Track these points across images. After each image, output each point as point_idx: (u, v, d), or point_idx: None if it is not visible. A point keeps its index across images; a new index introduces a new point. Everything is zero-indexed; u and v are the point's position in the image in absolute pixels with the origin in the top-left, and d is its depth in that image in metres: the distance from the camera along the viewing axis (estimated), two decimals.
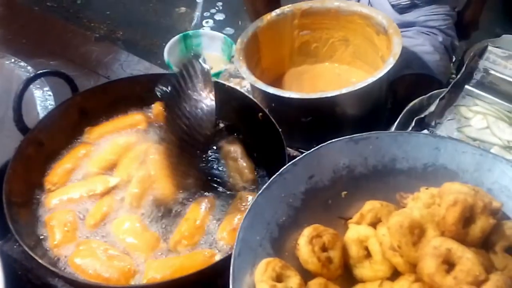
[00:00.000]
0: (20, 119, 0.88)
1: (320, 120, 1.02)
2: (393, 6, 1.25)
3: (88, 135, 0.95)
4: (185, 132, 0.80)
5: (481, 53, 1.04)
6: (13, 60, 1.07)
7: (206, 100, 0.80)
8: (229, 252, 0.66)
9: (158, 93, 0.85)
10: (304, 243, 0.64)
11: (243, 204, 0.82)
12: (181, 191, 0.84)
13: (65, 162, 0.90)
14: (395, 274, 0.65)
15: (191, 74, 0.82)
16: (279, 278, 0.61)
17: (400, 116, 0.95)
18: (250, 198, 0.83)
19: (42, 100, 0.99)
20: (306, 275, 0.64)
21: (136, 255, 0.77)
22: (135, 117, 0.98)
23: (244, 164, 0.89)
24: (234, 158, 0.91)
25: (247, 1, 1.32)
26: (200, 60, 0.84)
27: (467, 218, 0.61)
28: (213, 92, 0.80)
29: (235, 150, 0.92)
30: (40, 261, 0.71)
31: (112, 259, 0.75)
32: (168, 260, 0.76)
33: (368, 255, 0.67)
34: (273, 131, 0.87)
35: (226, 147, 0.93)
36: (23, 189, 0.84)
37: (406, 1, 1.24)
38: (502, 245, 0.63)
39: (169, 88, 0.84)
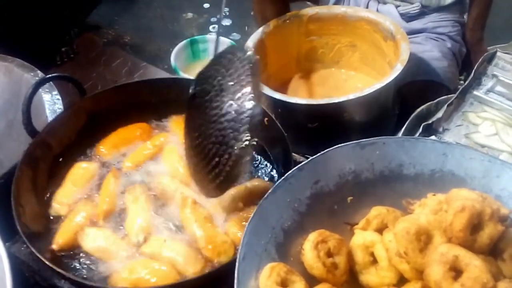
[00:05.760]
0: (29, 122, 0.89)
1: (327, 126, 1.02)
2: (401, 15, 1.25)
3: (103, 150, 0.94)
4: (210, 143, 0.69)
5: (490, 59, 1.04)
6: (22, 64, 1.09)
7: (240, 101, 0.66)
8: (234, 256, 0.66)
9: (191, 90, 0.74)
10: (309, 248, 0.64)
11: None
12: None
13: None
14: (401, 281, 0.64)
15: (229, 66, 0.69)
16: (283, 283, 0.61)
17: (408, 122, 0.95)
18: None
19: (51, 103, 1.00)
20: (311, 280, 0.64)
21: None
22: (139, 128, 0.97)
23: None
24: None
25: (257, 10, 1.33)
26: (245, 49, 0.70)
27: (475, 224, 0.61)
28: (251, 91, 0.65)
29: None
30: (47, 263, 0.72)
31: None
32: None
33: (374, 261, 0.67)
34: (279, 136, 0.87)
35: None
36: (31, 191, 0.85)
37: (415, 10, 1.24)
38: (510, 252, 0.62)
39: (203, 86, 0.72)
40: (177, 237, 0.79)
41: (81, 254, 0.79)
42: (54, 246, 0.79)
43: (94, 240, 0.79)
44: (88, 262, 0.78)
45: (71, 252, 0.79)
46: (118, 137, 0.96)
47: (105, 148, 0.94)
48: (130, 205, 0.84)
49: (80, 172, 0.90)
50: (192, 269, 0.74)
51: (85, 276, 0.76)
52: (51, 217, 0.85)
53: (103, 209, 0.83)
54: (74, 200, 0.86)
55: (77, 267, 0.78)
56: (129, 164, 0.92)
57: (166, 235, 0.79)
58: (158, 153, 0.93)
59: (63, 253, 0.79)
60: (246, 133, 0.66)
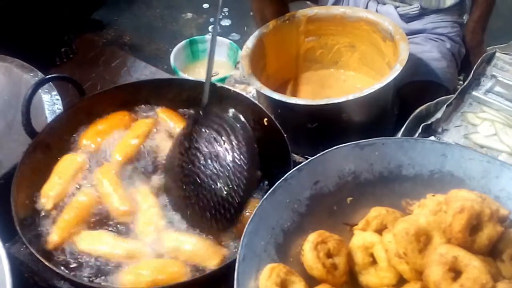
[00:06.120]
0: (29, 123, 0.89)
1: (326, 126, 1.02)
2: (401, 16, 1.25)
3: (86, 141, 0.93)
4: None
5: (489, 60, 1.04)
6: (21, 65, 1.09)
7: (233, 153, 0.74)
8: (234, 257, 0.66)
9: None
10: (309, 249, 0.64)
11: None
12: None
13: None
14: (401, 281, 0.65)
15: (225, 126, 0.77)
16: (283, 284, 0.61)
17: (407, 122, 0.95)
18: None
19: (50, 104, 1.00)
20: (311, 281, 0.64)
21: None
22: (122, 116, 0.97)
23: None
24: None
25: (256, 8, 1.33)
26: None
27: (474, 225, 0.61)
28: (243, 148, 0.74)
29: None
30: (46, 263, 0.72)
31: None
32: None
33: (374, 262, 0.67)
34: (278, 136, 0.87)
35: None
36: (31, 192, 0.85)
37: (414, 11, 1.24)
38: (509, 253, 0.62)
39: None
40: (190, 231, 0.79)
41: (80, 255, 0.78)
42: (49, 246, 0.78)
43: (94, 242, 0.78)
44: (89, 263, 0.77)
45: (71, 253, 0.79)
46: (100, 127, 0.95)
47: (88, 139, 0.93)
48: (139, 203, 0.83)
49: (65, 164, 0.88)
50: (211, 262, 0.75)
51: (85, 276, 0.75)
52: (43, 214, 0.83)
53: (123, 210, 0.82)
54: (61, 193, 0.84)
55: (77, 267, 0.77)
56: (118, 157, 0.90)
57: (178, 230, 0.80)
58: (145, 142, 0.93)
59: (62, 255, 0.79)
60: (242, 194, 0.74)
